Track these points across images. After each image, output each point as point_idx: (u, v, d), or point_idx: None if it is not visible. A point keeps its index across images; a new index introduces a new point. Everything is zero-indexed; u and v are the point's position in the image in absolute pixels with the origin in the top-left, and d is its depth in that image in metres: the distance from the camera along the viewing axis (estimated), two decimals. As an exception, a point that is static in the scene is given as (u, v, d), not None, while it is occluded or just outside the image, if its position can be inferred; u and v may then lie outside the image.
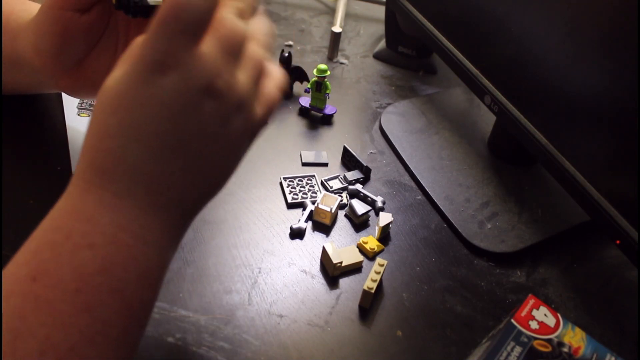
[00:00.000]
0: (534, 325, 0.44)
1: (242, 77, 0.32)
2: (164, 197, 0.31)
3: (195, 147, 0.31)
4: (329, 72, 0.69)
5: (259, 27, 0.36)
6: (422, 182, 0.64)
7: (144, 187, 0.30)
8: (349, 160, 0.65)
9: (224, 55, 0.30)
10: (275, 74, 0.38)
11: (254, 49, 0.34)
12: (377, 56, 0.87)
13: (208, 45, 0.30)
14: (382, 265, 0.52)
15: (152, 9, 0.37)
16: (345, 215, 0.59)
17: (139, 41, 0.30)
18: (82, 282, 0.28)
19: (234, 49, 0.31)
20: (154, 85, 0.29)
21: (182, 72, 0.29)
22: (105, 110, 0.30)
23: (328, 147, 0.68)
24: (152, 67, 0.29)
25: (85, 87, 0.47)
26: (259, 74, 0.35)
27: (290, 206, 0.59)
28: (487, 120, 0.73)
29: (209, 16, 0.30)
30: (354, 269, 0.54)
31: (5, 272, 0.29)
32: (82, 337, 0.28)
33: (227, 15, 0.31)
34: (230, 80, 0.31)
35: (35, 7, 0.51)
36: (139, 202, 0.30)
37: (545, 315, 0.44)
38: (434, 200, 0.62)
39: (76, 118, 0.62)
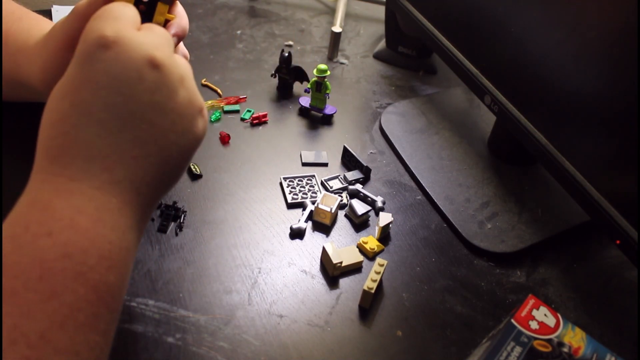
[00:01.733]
0: (534, 325, 0.44)
1: (178, 58, 0.35)
2: (119, 171, 0.32)
3: (146, 117, 0.32)
4: (329, 72, 0.69)
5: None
6: (422, 182, 0.64)
7: (98, 163, 0.31)
8: (349, 160, 0.65)
9: (160, 37, 0.33)
10: None
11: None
12: (377, 56, 0.87)
13: (144, 31, 0.33)
14: (382, 265, 0.52)
15: None
16: (345, 215, 0.59)
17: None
18: (45, 269, 0.29)
19: (167, 37, 0.35)
20: (98, 60, 0.31)
21: (123, 45, 0.31)
22: (56, 98, 0.32)
23: (328, 147, 0.68)
24: (96, 44, 0.31)
25: None
26: (191, 71, 0.38)
27: (290, 206, 0.59)
28: (487, 120, 0.73)
29: (136, 18, 0.34)
30: (354, 269, 0.54)
31: None
32: (52, 324, 0.28)
33: (156, 25, 0.36)
34: (169, 54, 0.34)
35: (34, 26, 0.49)
36: (95, 181, 0.31)
37: (545, 315, 0.44)
38: (434, 200, 0.62)
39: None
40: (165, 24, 0.39)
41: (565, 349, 0.42)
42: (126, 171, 0.32)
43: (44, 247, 0.29)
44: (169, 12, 0.39)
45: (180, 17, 0.40)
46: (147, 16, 0.38)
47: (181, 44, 0.43)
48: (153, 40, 0.33)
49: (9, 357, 0.26)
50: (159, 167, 0.34)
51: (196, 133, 0.36)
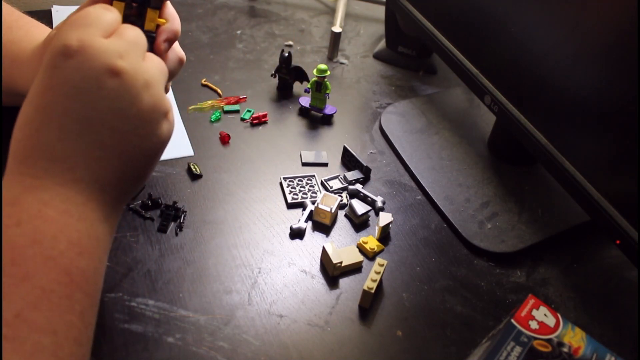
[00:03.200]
0: (534, 325, 0.44)
1: (147, 63, 0.36)
2: (81, 171, 0.33)
3: (106, 122, 0.33)
4: (329, 72, 0.69)
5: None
6: (422, 182, 0.64)
7: (60, 164, 0.33)
8: (349, 160, 0.65)
9: (125, 43, 0.34)
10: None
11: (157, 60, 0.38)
12: (377, 56, 0.87)
13: (112, 38, 0.34)
14: (382, 265, 0.52)
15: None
16: (345, 215, 0.59)
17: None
18: (16, 254, 0.30)
19: (135, 42, 0.35)
20: (61, 67, 0.32)
21: (85, 53, 0.32)
22: (25, 104, 0.34)
23: (328, 147, 0.68)
24: (62, 52, 0.32)
25: None
26: (163, 69, 0.38)
27: (290, 206, 0.59)
28: (487, 120, 0.73)
29: (111, 22, 0.35)
30: (354, 269, 0.54)
31: None
32: (26, 304, 0.30)
33: (126, 26, 0.36)
34: (134, 61, 0.34)
35: (24, 36, 0.50)
36: (58, 179, 0.33)
37: (545, 315, 0.44)
38: (434, 200, 0.62)
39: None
40: (158, 28, 0.40)
41: (565, 349, 0.42)
42: (88, 171, 0.33)
43: (14, 235, 0.31)
44: (160, 15, 0.40)
45: (172, 19, 0.41)
46: (138, 21, 0.39)
47: (177, 44, 0.43)
48: (118, 48, 0.34)
49: None
50: (122, 168, 0.35)
51: (160, 137, 0.37)
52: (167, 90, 0.41)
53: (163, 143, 0.38)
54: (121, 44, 0.34)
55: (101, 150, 0.34)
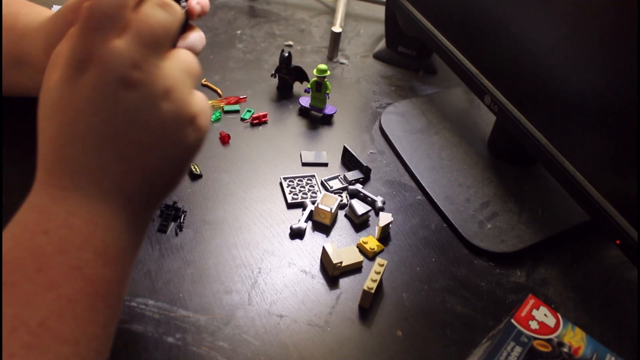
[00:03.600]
0: (534, 325, 0.44)
1: (168, 65, 0.34)
2: (107, 183, 0.33)
3: (127, 135, 0.33)
4: (329, 72, 0.69)
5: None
6: (422, 182, 0.64)
7: (85, 177, 0.33)
8: (349, 160, 0.65)
9: (141, 47, 0.32)
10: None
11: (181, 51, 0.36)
12: (377, 56, 0.87)
13: (124, 40, 0.32)
14: (382, 265, 0.52)
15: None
16: (345, 215, 0.59)
17: (63, 46, 0.33)
18: (42, 263, 0.30)
19: (153, 41, 0.33)
20: (77, 83, 0.32)
21: (97, 67, 0.31)
22: (45, 118, 0.33)
23: (328, 147, 0.68)
24: (75, 67, 0.32)
25: None
26: (190, 67, 0.36)
27: (290, 206, 0.59)
28: (487, 120, 0.73)
29: (120, 11, 0.32)
30: (354, 269, 0.54)
31: None
32: (50, 313, 0.29)
33: (147, 10, 0.33)
34: (150, 69, 0.32)
35: (44, 10, 0.52)
36: (85, 191, 0.33)
37: (545, 315, 0.44)
38: (434, 200, 0.62)
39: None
40: None
41: (565, 349, 0.42)
42: (113, 183, 0.33)
43: (41, 243, 0.31)
44: None
45: None
46: None
47: (199, 31, 0.40)
48: (132, 54, 0.31)
49: (10, 344, 0.28)
50: (149, 179, 0.34)
51: (187, 144, 0.35)
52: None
53: (191, 149, 0.36)
54: (135, 49, 0.31)
55: (125, 164, 0.33)
